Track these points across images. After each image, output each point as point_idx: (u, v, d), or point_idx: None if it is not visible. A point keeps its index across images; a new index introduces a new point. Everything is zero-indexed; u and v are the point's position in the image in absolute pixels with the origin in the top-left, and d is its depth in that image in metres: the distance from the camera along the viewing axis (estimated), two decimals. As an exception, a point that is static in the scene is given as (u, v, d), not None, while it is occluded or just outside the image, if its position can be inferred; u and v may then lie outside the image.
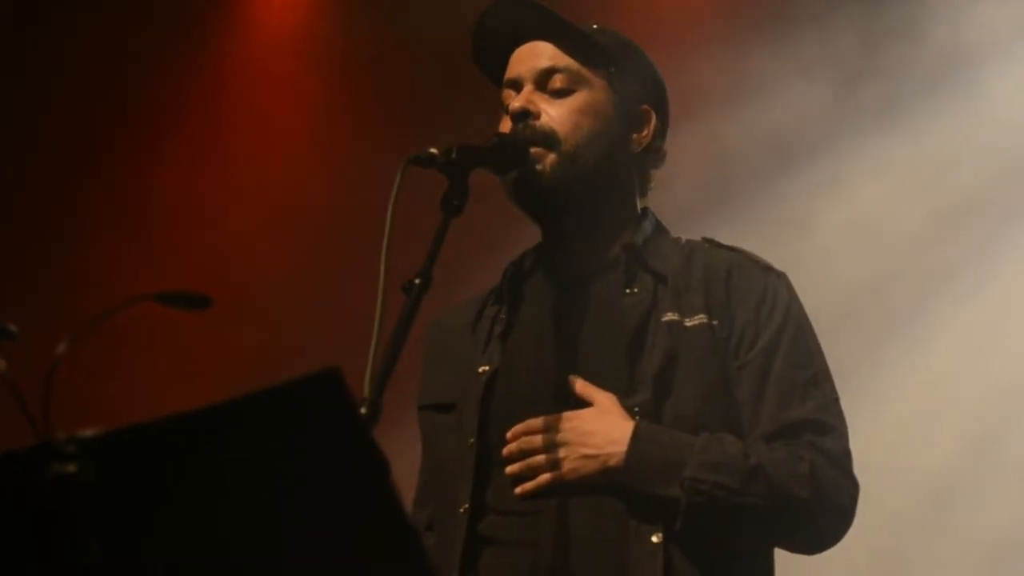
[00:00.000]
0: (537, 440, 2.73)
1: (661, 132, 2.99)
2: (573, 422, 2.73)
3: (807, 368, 2.82)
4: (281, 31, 6.27)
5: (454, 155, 2.66)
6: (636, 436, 2.70)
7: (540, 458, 2.72)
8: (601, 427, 2.71)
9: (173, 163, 6.12)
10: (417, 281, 2.49)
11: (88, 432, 1.83)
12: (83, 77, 6.11)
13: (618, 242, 2.90)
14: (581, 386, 2.76)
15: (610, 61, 2.93)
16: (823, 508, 2.73)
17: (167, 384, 5.66)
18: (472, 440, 2.81)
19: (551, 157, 2.85)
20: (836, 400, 2.83)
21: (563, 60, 2.91)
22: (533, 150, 2.84)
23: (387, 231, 2.52)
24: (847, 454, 2.79)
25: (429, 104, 5.67)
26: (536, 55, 2.93)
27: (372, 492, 1.85)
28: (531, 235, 2.99)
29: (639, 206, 2.98)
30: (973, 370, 5.15)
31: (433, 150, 2.65)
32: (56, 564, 1.87)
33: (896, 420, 5.14)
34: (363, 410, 2.27)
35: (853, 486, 2.79)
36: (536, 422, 2.74)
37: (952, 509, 5.11)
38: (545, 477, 2.71)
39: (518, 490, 2.72)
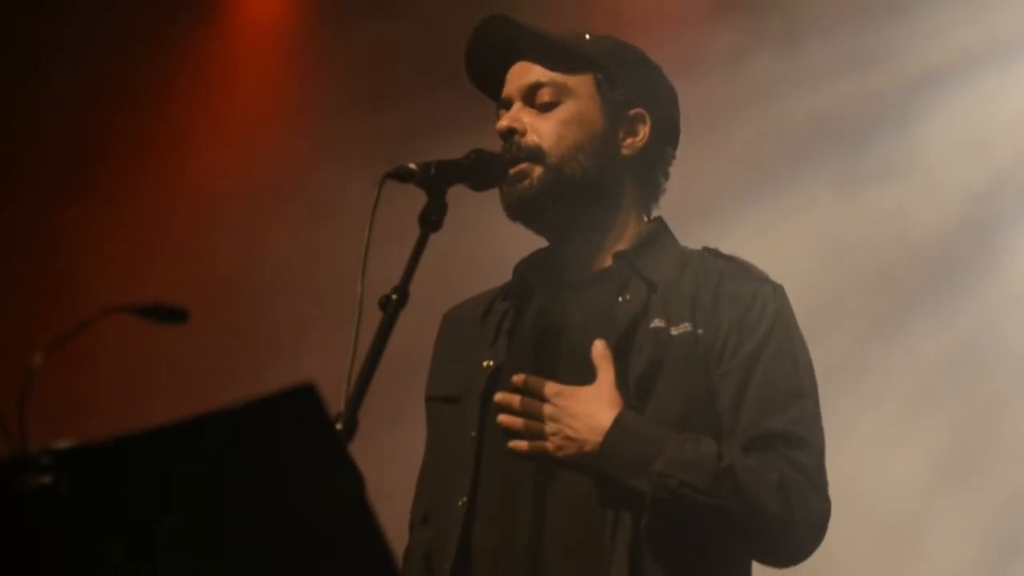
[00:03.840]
0: (536, 406, 2.77)
1: (663, 134, 3.01)
2: (567, 400, 2.76)
3: (789, 378, 2.82)
4: (256, 59, 6.29)
5: (432, 171, 2.68)
6: (616, 424, 2.73)
7: (532, 423, 2.76)
8: (587, 410, 2.75)
9: (147, 179, 6.11)
10: (394, 297, 2.50)
11: (62, 444, 1.83)
12: (55, 85, 6.13)
13: (611, 249, 2.94)
14: (600, 352, 2.79)
15: (596, 68, 2.95)
16: (790, 521, 2.72)
17: (142, 397, 5.62)
18: (473, 433, 2.85)
19: (537, 171, 2.89)
20: (817, 415, 2.83)
21: (547, 74, 2.94)
22: (521, 166, 2.89)
23: (365, 246, 2.54)
24: (820, 470, 2.79)
25: (409, 112, 5.69)
26: (523, 73, 2.97)
27: (347, 509, 1.85)
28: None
29: (646, 212, 3.01)
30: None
31: (411, 165, 2.66)
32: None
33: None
34: (339, 426, 2.27)
35: (824, 502, 2.78)
36: (540, 385, 2.78)
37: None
38: (533, 445, 2.76)
39: (510, 444, 2.77)
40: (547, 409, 2.76)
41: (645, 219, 3.00)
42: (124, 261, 5.95)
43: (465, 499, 2.81)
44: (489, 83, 3.02)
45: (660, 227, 3.01)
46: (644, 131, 2.97)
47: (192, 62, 6.20)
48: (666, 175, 3.03)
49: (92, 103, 6.13)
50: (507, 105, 2.97)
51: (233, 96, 6.20)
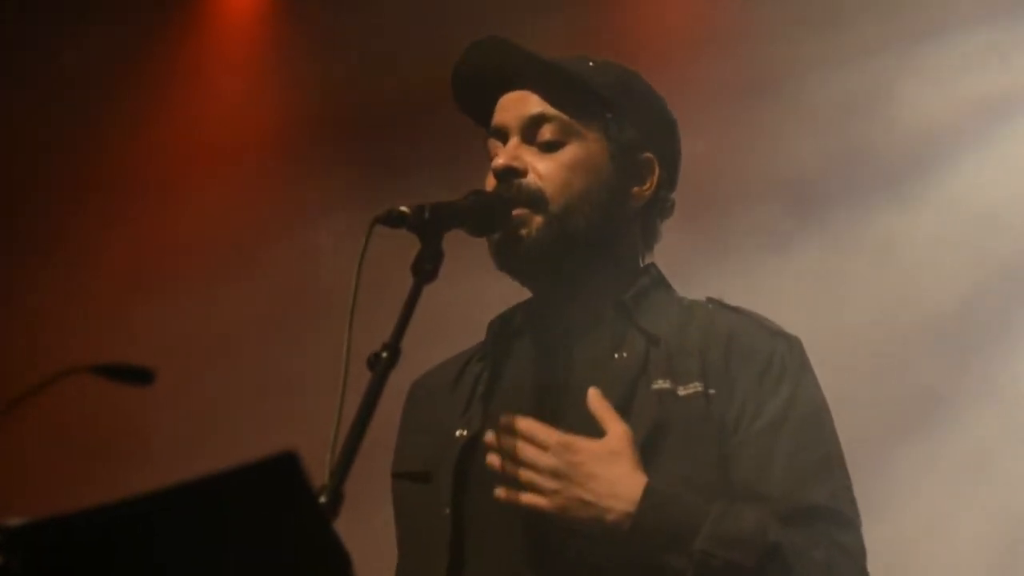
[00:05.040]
0: (534, 454, 2.49)
1: (668, 180, 2.79)
2: (579, 455, 2.49)
3: (818, 448, 2.61)
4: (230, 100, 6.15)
5: (427, 215, 2.47)
6: (649, 494, 2.48)
7: (529, 474, 2.49)
8: (607, 473, 2.48)
9: (119, 224, 5.97)
10: (384, 354, 2.29)
11: (14, 522, 1.77)
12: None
13: (610, 300, 2.71)
14: (596, 402, 2.54)
15: (606, 106, 2.73)
16: None
17: (108, 465, 5.44)
18: (447, 511, 2.63)
19: (537, 220, 2.67)
20: (849, 488, 2.64)
21: (551, 109, 2.72)
22: (518, 211, 2.66)
23: (352, 298, 2.36)
24: (863, 550, 2.60)
25: (397, 150, 5.55)
26: (523, 103, 2.73)
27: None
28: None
29: (641, 261, 2.79)
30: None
31: (404, 208, 2.47)
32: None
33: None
34: (322, 499, 2.08)
35: None
36: (540, 432, 2.51)
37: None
38: (527, 499, 2.49)
39: (498, 492, 2.50)
40: (549, 461, 2.49)
41: (641, 266, 2.80)
42: (87, 320, 5.81)
43: None
44: (477, 106, 2.79)
45: (657, 275, 2.81)
46: (652, 179, 2.76)
47: (159, 117, 6.11)
48: (664, 220, 2.82)
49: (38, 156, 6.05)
50: (500, 136, 2.74)
51: (202, 144, 6.08)
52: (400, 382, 2.40)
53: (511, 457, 2.50)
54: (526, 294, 2.80)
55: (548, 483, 2.47)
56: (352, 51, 5.77)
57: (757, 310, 2.73)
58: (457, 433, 2.68)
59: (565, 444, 2.49)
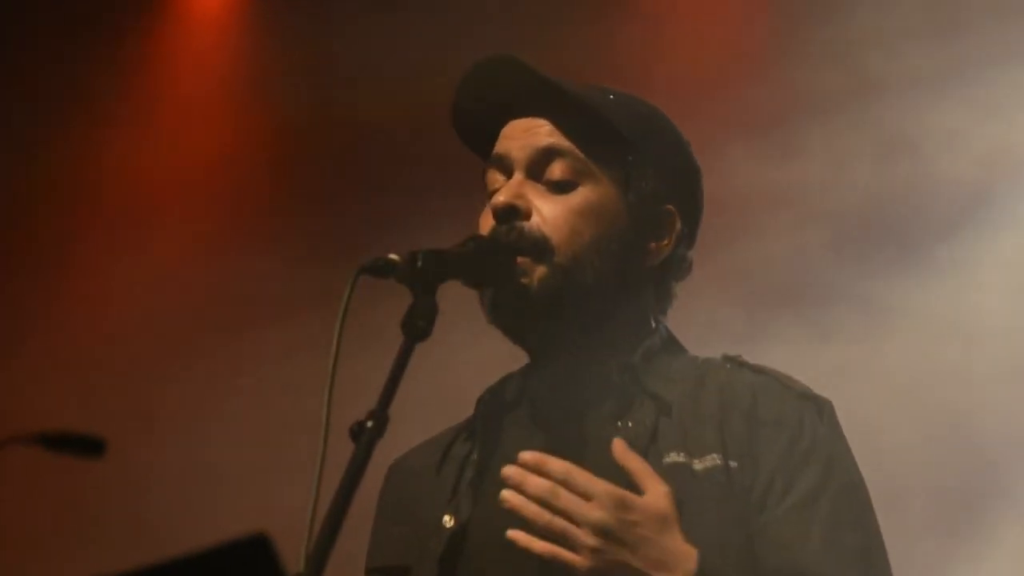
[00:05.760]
0: (575, 503, 2.18)
1: (688, 237, 2.55)
2: (633, 514, 2.20)
3: (855, 530, 2.38)
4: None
5: (419, 263, 2.24)
6: (703, 570, 2.23)
7: (564, 524, 2.18)
8: (660, 540, 2.20)
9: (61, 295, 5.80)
10: (369, 424, 2.07)
11: None
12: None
13: (615, 363, 2.45)
14: (626, 455, 2.24)
15: (627, 147, 2.48)
16: None
17: (57, 548, 5.16)
18: None
19: (540, 270, 2.41)
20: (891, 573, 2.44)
21: (566, 142, 2.46)
22: (518, 260, 2.41)
23: (332, 359, 2.12)
24: None
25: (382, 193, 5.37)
26: (532, 132, 2.48)
27: None
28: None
29: (654, 321, 2.54)
30: None
31: (393, 256, 2.24)
32: None
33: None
34: None
35: None
36: (582, 479, 2.19)
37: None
38: (555, 550, 2.18)
39: (511, 534, 2.19)
40: (597, 515, 2.18)
41: (652, 327, 2.54)
42: (41, 383, 5.51)
43: None
44: (477, 133, 2.55)
45: (667, 334, 2.56)
46: (672, 235, 2.51)
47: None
48: (679, 282, 2.58)
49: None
50: (502, 167, 2.49)
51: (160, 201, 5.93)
52: (378, 457, 2.14)
53: (537, 500, 2.18)
54: (515, 362, 2.55)
55: (589, 539, 2.17)
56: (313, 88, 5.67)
57: (781, 367, 2.50)
58: (444, 520, 2.43)
59: (620, 499, 2.19)
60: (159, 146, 5.88)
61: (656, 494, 2.21)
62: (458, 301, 2.39)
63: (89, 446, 2.92)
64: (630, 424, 2.39)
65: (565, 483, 2.17)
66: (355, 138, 5.52)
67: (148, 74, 6.01)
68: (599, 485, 2.18)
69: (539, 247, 2.40)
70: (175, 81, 5.99)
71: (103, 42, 5.93)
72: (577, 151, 2.45)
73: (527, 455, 2.19)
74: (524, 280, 2.39)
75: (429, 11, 5.35)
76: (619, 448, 2.23)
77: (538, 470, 2.18)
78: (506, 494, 2.18)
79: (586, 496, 2.17)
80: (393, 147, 5.22)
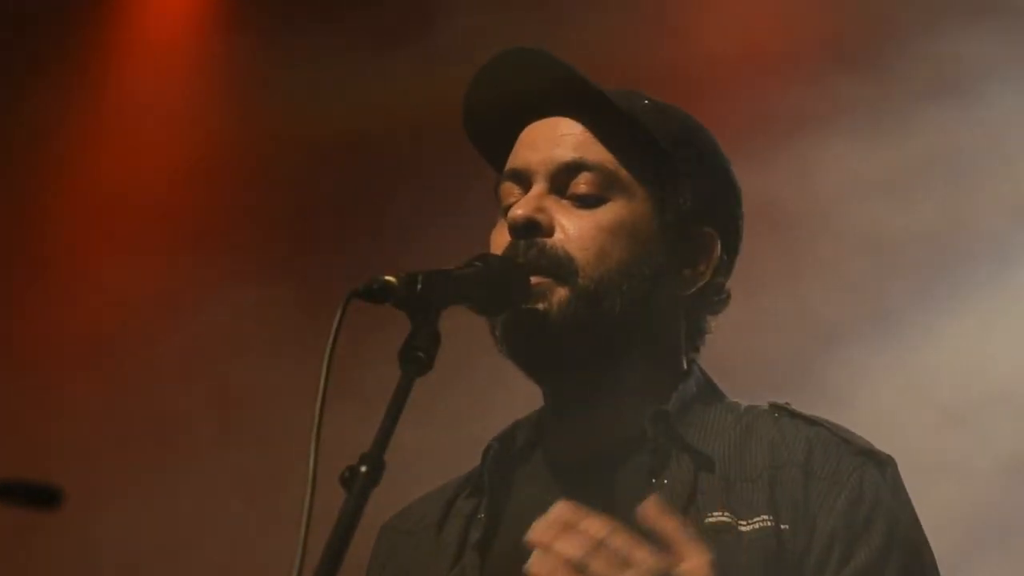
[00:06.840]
0: (612, 571, 1.91)
1: (727, 265, 2.31)
2: None
3: None
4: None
5: (419, 286, 2.02)
6: None
7: None
8: None
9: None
10: (363, 468, 1.85)
11: None
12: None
13: (647, 410, 2.21)
14: (660, 517, 1.96)
15: (663, 159, 2.25)
16: None
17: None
18: None
19: (560, 293, 2.17)
20: None
21: (595, 152, 2.23)
22: (536, 280, 2.18)
23: (320, 394, 1.89)
24: None
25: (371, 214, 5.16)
26: (557, 139, 2.25)
27: None
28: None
29: (686, 360, 2.30)
30: None
31: (389, 278, 2.01)
32: None
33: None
34: None
35: None
36: (621, 542, 1.93)
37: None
38: None
39: None
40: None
41: (684, 368, 2.31)
42: None
43: None
44: (492, 136, 2.33)
45: (703, 377, 2.33)
46: (710, 261, 2.28)
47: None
48: (715, 315, 2.35)
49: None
50: (520, 180, 2.26)
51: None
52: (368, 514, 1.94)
53: (569, 563, 1.92)
54: (526, 406, 2.33)
55: None
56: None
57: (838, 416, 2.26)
58: None
59: (661, 571, 1.93)
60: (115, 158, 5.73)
61: (697, 564, 1.96)
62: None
63: (45, 496, 2.69)
64: (665, 481, 2.16)
65: (603, 544, 1.92)
66: (330, 148, 5.34)
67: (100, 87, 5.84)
68: (640, 552, 1.92)
69: (561, 266, 2.18)
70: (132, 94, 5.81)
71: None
72: (609, 160, 2.23)
73: (562, 507, 1.94)
74: (541, 304, 2.17)
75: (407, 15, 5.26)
76: (652, 508, 1.97)
77: (573, 527, 1.93)
78: (535, 561, 1.92)
79: (624, 563, 1.92)
80: (369, 158, 5.03)
